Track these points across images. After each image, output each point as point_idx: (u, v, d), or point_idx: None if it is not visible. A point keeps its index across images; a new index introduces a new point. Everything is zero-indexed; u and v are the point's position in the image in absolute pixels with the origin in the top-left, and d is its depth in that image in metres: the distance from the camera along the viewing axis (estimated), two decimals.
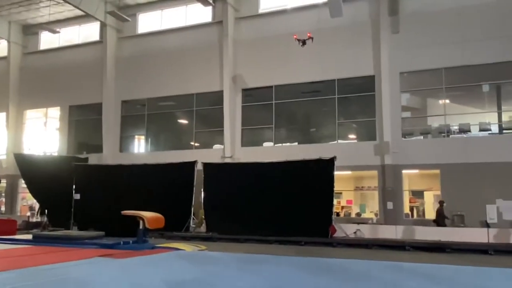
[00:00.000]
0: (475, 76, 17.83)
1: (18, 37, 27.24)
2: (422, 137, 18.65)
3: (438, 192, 17.66)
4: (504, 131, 17.41)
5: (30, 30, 27.42)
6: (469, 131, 17.67)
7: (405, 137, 18.47)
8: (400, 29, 18.63)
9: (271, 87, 20.77)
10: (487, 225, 15.10)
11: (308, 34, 16.51)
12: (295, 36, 16.75)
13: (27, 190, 21.84)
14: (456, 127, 17.99)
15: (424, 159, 17.59)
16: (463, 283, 7.13)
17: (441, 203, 16.14)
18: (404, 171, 18.16)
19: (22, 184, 24.01)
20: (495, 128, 17.55)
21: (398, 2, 18.79)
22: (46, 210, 20.03)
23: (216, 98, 21.42)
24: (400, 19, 18.71)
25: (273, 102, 20.73)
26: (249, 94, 21.58)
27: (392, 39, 18.67)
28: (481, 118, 17.82)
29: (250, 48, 21.33)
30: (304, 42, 16.62)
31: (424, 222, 17.08)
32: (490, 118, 17.83)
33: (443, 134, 18.03)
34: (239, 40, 21.66)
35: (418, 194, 19.29)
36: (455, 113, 18.44)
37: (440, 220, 16.02)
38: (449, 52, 17.72)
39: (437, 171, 17.53)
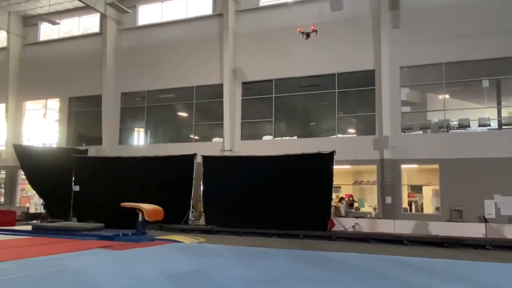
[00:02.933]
0: (475, 71, 17.81)
1: (18, 28, 27.13)
2: (421, 132, 18.64)
3: (437, 187, 17.71)
4: (504, 127, 17.40)
5: (30, 21, 27.31)
6: (469, 126, 17.66)
7: (404, 132, 18.47)
8: (401, 24, 18.57)
9: (271, 80, 20.74)
10: (485, 220, 15.16)
11: (312, 27, 16.41)
12: (299, 29, 16.66)
13: (27, 181, 21.85)
14: (456, 122, 17.98)
15: (423, 154, 17.61)
16: (460, 277, 7.19)
17: None
18: (403, 166, 18.18)
19: (22, 175, 24.03)
20: (494, 124, 17.54)
21: None
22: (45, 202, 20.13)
23: (216, 91, 21.39)
24: (401, 13, 18.64)
25: (273, 95, 20.70)
26: (249, 87, 21.54)
27: (392, 34, 18.62)
28: (480, 114, 17.82)
29: (250, 41, 21.27)
30: (308, 35, 16.51)
31: (422, 217, 17.12)
32: (490, 113, 17.83)
33: (442, 129, 18.04)
34: (239, 33, 21.59)
35: (416, 189, 19.33)
36: (455, 108, 18.44)
37: None
38: (450, 47, 17.69)
39: (436, 166, 17.55)
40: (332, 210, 15.98)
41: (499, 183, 16.09)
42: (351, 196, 19.24)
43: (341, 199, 18.83)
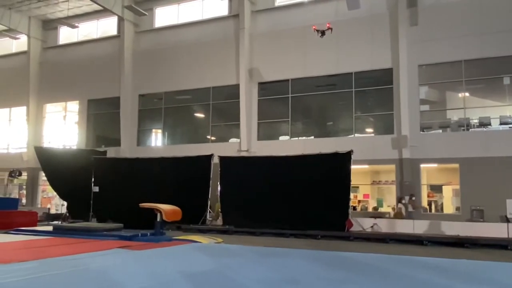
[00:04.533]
0: (495, 69, 17.49)
1: (38, 32, 27.67)
2: (441, 130, 18.39)
3: (457, 187, 17.44)
4: None
5: (50, 25, 27.81)
6: (489, 124, 17.35)
7: (423, 131, 18.24)
8: (419, 21, 18.35)
9: (287, 80, 20.71)
10: (507, 220, 14.86)
11: (327, 25, 16.35)
12: (314, 27, 16.61)
13: (48, 183, 22.23)
14: (476, 121, 17.69)
15: (443, 153, 17.37)
16: (482, 278, 7.06)
17: None
18: (422, 165, 17.96)
19: (43, 176, 24.47)
20: None
21: None
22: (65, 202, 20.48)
23: (232, 91, 21.46)
24: (419, 11, 18.42)
25: (289, 95, 20.67)
26: (265, 87, 21.55)
27: (410, 32, 18.41)
28: (501, 112, 17.48)
29: (267, 42, 21.28)
30: (323, 33, 16.45)
31: (443, 217, 16.87)
32: (511, 111, 17.48)
33: (462, 128, 17.76)
34: (255, 33, 21.62)
35: (436, 189, 19.06)
36: (475, 106, 18.13)
37: None
38: (469, 44, 17.41)
39: (456, 165, 17.30)
40: (350, 210, 15.86)
41: None
42: (412, 195, 17.47)
43: (400, 199, 17.63)
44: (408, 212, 16.98)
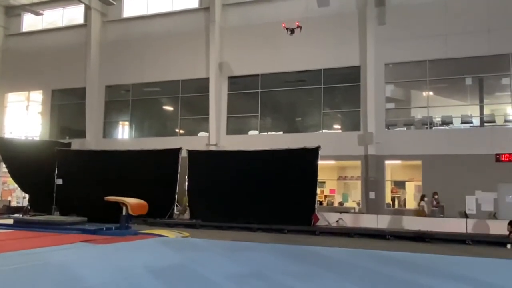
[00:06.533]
0: (458, 69, 18.04)
1: (0, 19, 26.57)
2: (405, 128, 18.86)
3: (419, 183, 17.94)
4: (485, 124, 17.69)
5: (13, 12, 26.75)
6: (451, 123, 17.90)
7: (388, 128, 18.65)
8: (387, 21, 18.68)
9: (257, 75, 20.71)
10: (466, 216, 15.44)
11: (297, 23, 16.45)
12: (283, 25, 16.67)
13: (9, 175, 21.50)
14: (439, 119, 18.22)
15: (407, 150, 17.81)
16: (441, 271, 7.32)
17: None
18: (386, 162, 18.37)
19: (3, 168, 23.62)
20: (476, 121, 17.81)
21: None
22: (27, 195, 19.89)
23: (202, 85, 21.28)
24: (387, 10, 18.75)
25: (259, 90, 20.68)
26: (235, 82, 21.48)
27: (378, 30, 18.74)
28: (463, 111, 18.08)
29: (237, 36, 21.19)
30: (292, 31, 16.55)
31: (405, 212, 17.35)
32: (472, 111, 18.10)
33: (425, 126, 18.26)
34: (226, 27, 21.49)
35: (399, 185, 19.57)
36: (438, 105, 18.67)
37: None
38: (434, 45, 17.87)
39: (419, 162, 17.78)
40: (317, 205, 16.05)
41: (480, 179, 16.38)
42: (436, 194, 16.68)
43: (423, 196, 16.82)
44: (431, 210, 16.59)
